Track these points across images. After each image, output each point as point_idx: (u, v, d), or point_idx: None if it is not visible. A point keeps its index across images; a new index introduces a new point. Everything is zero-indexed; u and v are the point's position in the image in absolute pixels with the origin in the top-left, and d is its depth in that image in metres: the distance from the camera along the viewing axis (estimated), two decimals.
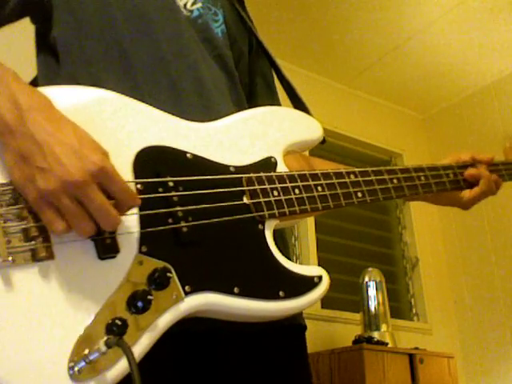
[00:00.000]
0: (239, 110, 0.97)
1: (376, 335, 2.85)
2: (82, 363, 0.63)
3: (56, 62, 0.93)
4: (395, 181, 1.03)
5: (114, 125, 0.77)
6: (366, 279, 3.02)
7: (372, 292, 2.99)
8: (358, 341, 2.75)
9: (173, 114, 0.83)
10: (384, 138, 3.90)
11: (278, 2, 3.12)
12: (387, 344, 2.79)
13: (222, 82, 0.99)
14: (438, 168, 1.14)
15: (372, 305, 2.97)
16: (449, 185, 1.14)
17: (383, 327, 2.93)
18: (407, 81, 3.81)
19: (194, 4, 1.01)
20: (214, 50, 1.00)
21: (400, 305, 3.62)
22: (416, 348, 2.89)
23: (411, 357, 2.73)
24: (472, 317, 3.63)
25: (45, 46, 0.95)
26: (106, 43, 0.91)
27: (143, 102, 0.81)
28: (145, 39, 0.92)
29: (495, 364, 3.45)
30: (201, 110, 0.91)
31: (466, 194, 1.18)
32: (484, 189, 1.18)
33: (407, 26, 3.35)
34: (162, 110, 0.83)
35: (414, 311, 3.65)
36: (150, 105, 0.82)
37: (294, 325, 0.94)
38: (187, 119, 0.85)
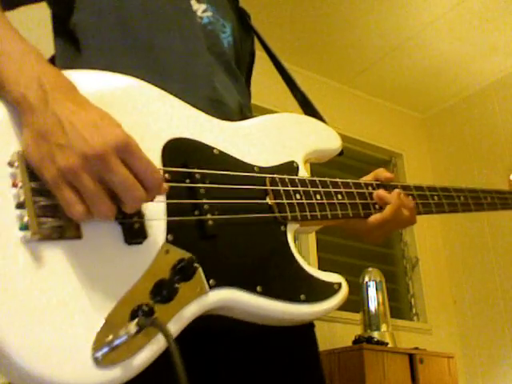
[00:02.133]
0: (250, 114, 0.99)
1: (376, 335, 2.86)
2: (106, 349, 0.62)
3: (74, 47, 0.92)
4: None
5: (145, 113, 0.76)
6: (366, 279, 3.02)
7: (372, 292, 2.99)
8: (357, 341, 2.75)
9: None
10: (384, 138, 3.90)
11: (277, 2, 3.12)
12: (387, 344, 2.79)
13: (231, 86, 1.00)
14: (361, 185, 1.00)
15: (372, 305, 2.97)
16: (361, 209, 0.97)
17: (383, 327, 2.93)
18: (407, 81, 3.81)
19: (204, 12, 1.03)
20: (221, 57, 1.01)
21: (400, 305, 3.62)
22: (416, 348, 2.89)
23: (411, 357, 2.73)
24: (472, 317, 3.63)
25: (64, 30, 0.95)
26: (123, 32, 0.91)
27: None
28: (161, 34, 0.93)
29: (495, 364, 3.45)
30: (212, 103, 0.91)
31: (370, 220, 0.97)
32: (386, 216, 0.96)
33: (407, 26, 3.35)
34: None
35: (413, 311, 3.65)
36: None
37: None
38: (200, 110, 0.85)
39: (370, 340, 2.73)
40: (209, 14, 1.03)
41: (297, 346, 0.92)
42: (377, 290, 3.00)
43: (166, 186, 0.68)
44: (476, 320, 3.60)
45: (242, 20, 1.16)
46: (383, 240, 1.03)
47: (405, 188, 1.05)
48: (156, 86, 0.81)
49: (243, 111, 0.98)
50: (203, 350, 0.82)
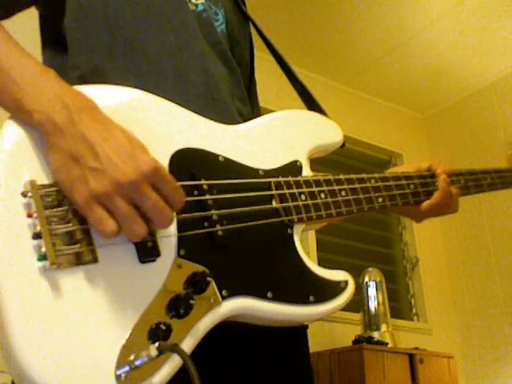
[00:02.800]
0: (244, 106, 0.99)
1: (376, 335, 2.86)
2: (127, 368, 0.63)
3: (63, 51, 0.91)
4: (412, 186, 1.06)
5: (150, 127, 0.77)
6: (366, 279, 3.02)
7: (372, 292, 2.99)
8: (357, 341, 2.75)
9: (178, 104, 0.83)
10: (384, 138, 3.90)
11: (277, 1, 3.12)
12: (387, 344, 2.79)
13: (226, 78, 0.98)
14: (400, 178, 1.07)
15: (372, 305, 2.97)
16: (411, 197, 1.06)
17: (383, 327, 2.93)
18: (407, 81, 3.81)
19: None
20: (217, 46, 0.99)
21: (400, 305, 3.62)
22: (416, 348, 2.89)
23: (411, 357, 2.73)
24: (472, 317, 3.63)
25: (53, 34, 0.93)
26: (111, 31, 0.89)
27: (148, 91, 0.81)
28: (151, 29, 0.91)
29: (495, 364, 3.45)
30: (207, 101, 0.90)
31: (421, 207, 1.08)
32: (438, 201, 1.07)
33: (407, 26, 3.35)
34: (169, 100, 0.82)
35: (413, 311, 3.65)
36: (155, 94, 0.81)
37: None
38: (193, 110, 0.84)
39: (369, 340, 2.73)
40: (202, 0, 1.01)
41: (288, 345, 0.92)
42: (377, 290, 3.00)
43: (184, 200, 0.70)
44: (476, 320, 3.60)
45: (239, 6, 1.13)
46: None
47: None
48: (148, 87, 0.81)
49: (237, 104, 0.97)
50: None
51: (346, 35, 3.40)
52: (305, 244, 3.22)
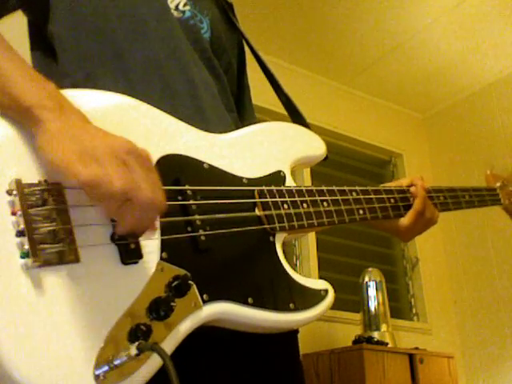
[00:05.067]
0: (230, 115, 1.00)
1: (376, 335, 2.85)
2: (106, 368, 0.64)
3: (51, 57, 0.92)
4: (392, 200, 1.07)
5: (135, 132, 0.78)
6: (366, 279, 3.02)
7: (372, 292, 2.99)
8: (357, 341, 2.75)
9: (165, 112, 0.84)
10: (384, 138, 3.90)
11: (277, 1, 3.12)
12: (387, 344, 2.79)
13: (212, 85, 0.99)
14: (381, 191, 1.08)
15: (372, 305, 2.97)
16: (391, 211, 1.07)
17: (383, 327, 2.93)
18: (407, 81, 3.81)
19: (185, 5, 1.01)
20: (204, 53, 1.00)
21: (400, 305, 3.62)
22: (416, 348, 2.89)
23: (411, 357, 2.73)
24: (472, 317, 3.63)
25: (41, 40, 0.94)
26: (101, 41, 0.91)
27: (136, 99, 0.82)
28: (138, 39, 0.92)
29: (495, 364, 3.45)
30: (194, 112, 0.91)
31: (403, 220, 1.08)
32: (418, 208, 1.08)
33: (407, 26, 3.35)
34: (156, 107, 0.84)
35: (413, 311, 3.65)
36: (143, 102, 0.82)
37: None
38: (180, 119, 0.85)
39: (369, 340, 2.73)
40: (188, 7, 1.01)
41: (278, 351, 0.92)
42: (377, 290, 3.00)
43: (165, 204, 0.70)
44: (476, 320, 3.60)
45: (227, 15, 1.13)
46: (412, 238, 1.15)
47: (387, 192, 1.08)
48: (137, 96, 0.82)
49: (222, 113, 0.98)
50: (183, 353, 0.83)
51: (346, 35, 3.40)
52: (305, 244, 3.22)
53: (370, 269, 3.08)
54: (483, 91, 3.85)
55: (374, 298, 2.98)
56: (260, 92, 1.35)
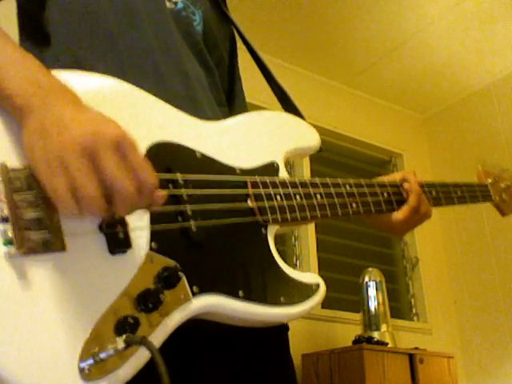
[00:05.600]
0: (220, 109, 0.98)
1: (376, 335, 2.86)
2: (91, 361, 0.62)
3: (44, 46, 0.89)
4: (385, 194, 1.06)
5: (127, 116, 0.75)
6: (366, 279, 3.02)
7: (372, 292, 2.99)
8: (357, 341, 2.75)
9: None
10: (384, 138, 3.90)
11: (277, 2, 3.12)
12: (387, 344, 2.79)
13: (203, 78, 0.97)
14: (374, 185, 1.07)
15: (372, 305, 2.97)
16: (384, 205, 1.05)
17: (383, 327, 2.93)
18: (407, 81, 3.81)
19: None
20: (195, 46, 0.98)
21: (400, 305, 3.62)
22: (416, 348, 2.89)
23: (411, 357, 2.73)
24: (472, 317, 3.63)
25: (32, 28, 0.92)
26: (91, 23, 0.88)
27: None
28: (130, 23, 0.90)
29: (495, 364, 3.45)
30: (187, 101, 0.89)
31: (396, 215, 1.06)
32: (413, 204, 1.06)
33: (407, 26, 3.35)
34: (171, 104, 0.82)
35: (413, 311, 3.65)
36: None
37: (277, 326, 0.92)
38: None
39: (369, 340, 2.73)
40: None
41: (267, 349, 0.91)
42: (377, 290, 3.00)
43: (161, 193, 0.66)
44: (476, 320, 3.60)
45: (220, 8, 1.11)
46: (407, 233, 1.14)
47: (381, 185, 1.07)
48: (129, 81, 0.79)
49: (213, 106, 0.96)
50: (174, 347, 0.81)
51: (346, 35, 3.40)
52: (305, 244, 3.22)
53: (370, 269, 3.08)
54: (483, 91, 3.85)
55: (374, 298, 2.98)
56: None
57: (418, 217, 1.09)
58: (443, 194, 1.18)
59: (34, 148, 0.62)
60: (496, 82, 3.79)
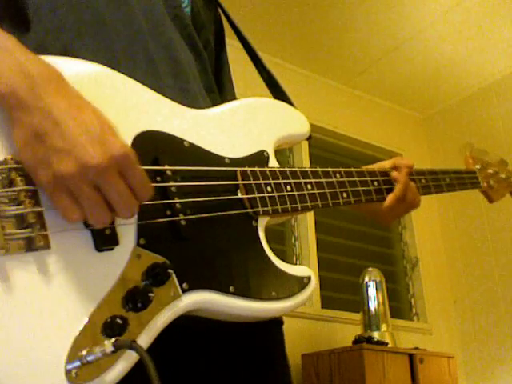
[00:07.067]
0: (210, 95, 0.96)
1: (376, 335, 2.86)
2: (78, 363, 0.60)
3: (23, 27, 0.83)
4: (376, 183, 1.05)
5: (113, 104, 0.72)
6: (366, 279, 3.02)
7: (372, 292, 2.99)
8: (357, 341, 2.75)
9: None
10: (384, 138, 3.90)
11: (277, 2, 3.12)
12: (387, 344, 2.79)
13: (193, 64, 0.96)
14: (364, 173, 1.05)
15: (372, 305, 2.97)
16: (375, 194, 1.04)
17: (383, 327, 2.93)
18: (407, 81, 3.81)
19: None
20: (185, 30, 0.96)
21: (400, 305, 3.62)
22: (416, 348, 2.89)
23: (411, 357, 2.73)
24: (472, 317, 3.63)
25: (9, 7, 0.84)
26: (78, 8, 0.84)
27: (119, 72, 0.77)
28: (120, 8, 0.87)
29: (495, 364, 3.45)
30: (177, 91, 0.87)
31: (382, 203, 1.06)
32: (398, 194, 1.05)
33: (407, 26, 3.35)
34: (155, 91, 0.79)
35: (413, 311, 3.65)
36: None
37: (272, 320, 0.91)
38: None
39: (369, 340, 2.73)
40: None
41: (261, 343, 0.90)
42: (377, 289, 3.00)
43: (152, 192, 0.66)
44: (476, 320, 3.60)
45: None
46: (392, 222, 1.13)
47: (371, 174, 1.06)
48: (119, 69, 0.76)
49: (203, 93, 0.94)
50: (168, 344, 0.79)
51: (346, 35, 3.40)
52: (305, 244, 3.22)
53: (370, 269, 3.08)
54: (483, 91, 3.85)
55: (374, 298, 2.98)
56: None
57: (404, 206, 1.08)
58: (432, 182, 1.17)
59: (27, 151, 0.60)
60: (496, 82, 3.79)
